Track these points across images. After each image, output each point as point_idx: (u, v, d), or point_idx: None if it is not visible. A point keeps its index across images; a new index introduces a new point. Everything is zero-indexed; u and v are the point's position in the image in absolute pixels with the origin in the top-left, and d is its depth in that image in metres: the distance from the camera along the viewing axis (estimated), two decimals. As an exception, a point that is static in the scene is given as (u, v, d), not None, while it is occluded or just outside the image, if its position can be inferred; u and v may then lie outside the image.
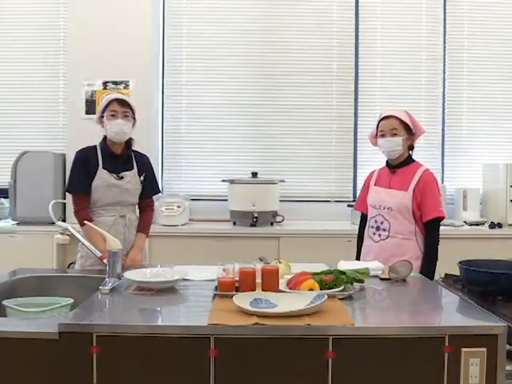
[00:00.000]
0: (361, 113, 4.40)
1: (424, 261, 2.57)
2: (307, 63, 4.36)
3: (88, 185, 2.58)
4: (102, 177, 2.59)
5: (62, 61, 4.23)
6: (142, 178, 2.72)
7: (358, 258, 2.78)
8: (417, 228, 2.59)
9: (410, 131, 2.65)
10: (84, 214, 2.54)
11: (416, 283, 2.22)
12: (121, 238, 2.55)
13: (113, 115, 2.59)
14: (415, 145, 2.74)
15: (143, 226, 2.75)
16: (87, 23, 3.93)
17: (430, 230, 2.59)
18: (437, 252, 2.58)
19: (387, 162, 2.76)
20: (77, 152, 2.67)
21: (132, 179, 2.67)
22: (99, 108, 2.70)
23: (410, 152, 2.71)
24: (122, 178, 2.64)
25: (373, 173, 2.86)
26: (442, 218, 2.61)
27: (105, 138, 2.67)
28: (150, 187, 2.78)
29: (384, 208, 2.65)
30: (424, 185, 2.59)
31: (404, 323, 1.63)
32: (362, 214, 2.87)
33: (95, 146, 2.67)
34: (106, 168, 2.61)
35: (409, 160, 2.69)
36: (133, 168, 2.70)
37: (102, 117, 2.64)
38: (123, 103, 2.62)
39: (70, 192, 2.65)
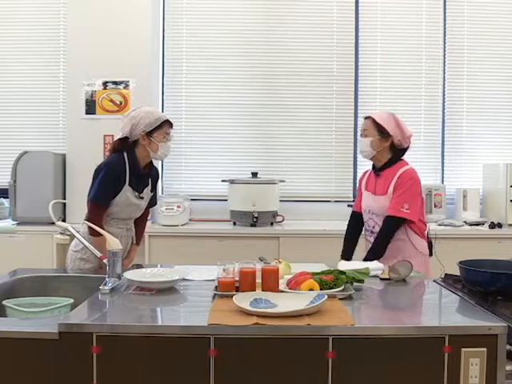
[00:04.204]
0: (361, 113, 4.39)
1: (369, 250, 2.57)
2: (307, 63, 4.36)
3: (111, 199, 2.52)
4: (126, 195, 2.53)
5: (62, 61, 4.24)
6: (151, 192, 2.71)
7: (344, 257, 2.76)
8: (408, 228, 2.58)
9: (385, 133, 2.59)
10: (99, 225, 2.39)
11: (416, 283, 2.22)
12: (124, 249, 2.56)
13: (166, 137, 2.53)
14: (409, 149, 2.67)
15: (139, 237, 2.77)
16: (87, 23, 3.94)
17: (385, 225, 2.55)
18: (383, 245, 2.54)
19: (373, 164, 2.74)
20: (109, 165, 2.51)
21: (147, 196, 2.67)
22: (140, 123, 2.47)
23: (397, 154, 2.65)
24: (142, 198, 2.62)
25: (365, 174, 2.84)
26: (401, 219, 2.53)
27: (133, 153, 2.53)
28: (152, 200, 2.76)
29: (372, 213, 2.67)
30: (397, 184, 2.55)
31: (404, 323, 1.63)
32: (354, 212, 2.89)
33: (123, 159, 2.52)
34: (131, 185, 2.54)
35: (392, 161, 2.63)
36: (148, 184, 2.67)
37: (148, 134, 2.49)
38: (172, 125, 2.57)
39: (93, 203, 2.50)
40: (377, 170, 2.70)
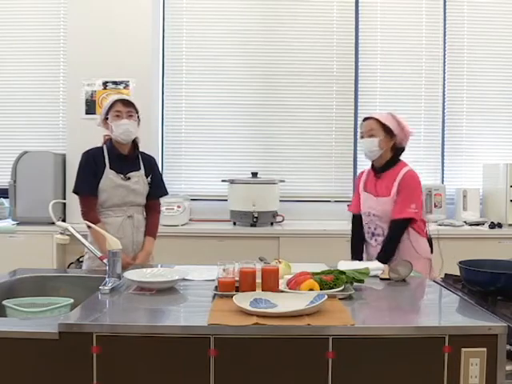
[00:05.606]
0: (361, 113, 4.40)
1: (380, 253, 2.58)
2: (307, 63, 4.36)
3: (95, 186, 2.55)
4: (109, 177, 2.56)
5: (62, 61, 4.24)
6: (149, 179, 2.70)
7: (354, 258, 2.78)
8: (409, 229, 2.59)
9: (390, 133, 2.63)
10: (92, 215, 2.50)
11: (416, 283, 2.22)
12: (129, 239, 2.56)
13: (117, 116, 2.57)
14: (406, 147, 2.71)
15: (151, 228, 2.74)
16: (87, 23, 3.94)
17: (393, 228, 2.58)
18: (394, 248, 2.58)
19: (372, 164, 2.75)
20: (83, 153, 2.64)
21: (139, 180, 2.65)
22: (102, 110, 2.68)
23: (397, 154, 2.68)
24: (129, 178, 2.61)
25: (362, 174, 2.85)
26: (409, 219, 2.58)
27: (111, 139, 2.64)
28: (156, 189, 2.75)
29: (374, 215, 2.68)
30: (401, 186, 2.58)
31: (404, 323, 1.63)
32: (354, 214, 2.88)
33: (102, 147, 2.65)
34: (113, 168, 2.58)
35: (393, 161, 2.66)
36: (140, 169, 2.67)
37: (107, 118, 2.61)
38: (127, 103, 2.61)
39: (77, 193, 2.60)
40: (378, 171, 2.70)
